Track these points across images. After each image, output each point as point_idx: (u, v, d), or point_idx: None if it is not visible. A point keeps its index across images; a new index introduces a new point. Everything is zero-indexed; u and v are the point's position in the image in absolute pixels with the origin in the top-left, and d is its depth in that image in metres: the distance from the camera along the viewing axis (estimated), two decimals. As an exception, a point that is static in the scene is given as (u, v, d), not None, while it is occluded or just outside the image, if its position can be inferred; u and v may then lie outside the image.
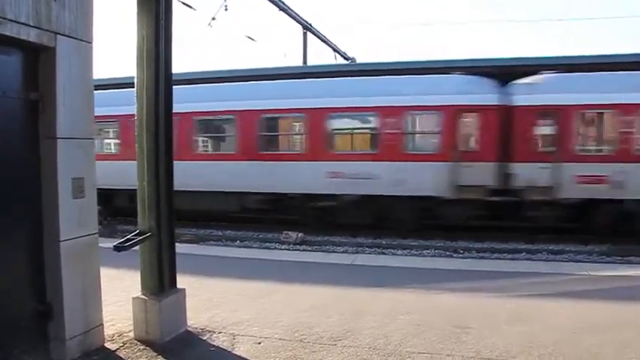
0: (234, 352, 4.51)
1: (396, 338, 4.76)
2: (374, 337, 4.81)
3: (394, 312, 5.54)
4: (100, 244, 4.46)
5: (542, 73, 12.81)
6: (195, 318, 5.19)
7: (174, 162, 4.84)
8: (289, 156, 13.83)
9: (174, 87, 4.79)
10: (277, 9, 19.76)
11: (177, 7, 13.01)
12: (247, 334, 4.90)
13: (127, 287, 5.32)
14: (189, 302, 5.05)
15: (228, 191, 13.79)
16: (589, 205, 12.13)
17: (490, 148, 12.52)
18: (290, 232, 12.64)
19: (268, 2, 19.15)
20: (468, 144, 12.87)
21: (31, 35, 3.73)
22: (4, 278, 3.79)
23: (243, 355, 4.44)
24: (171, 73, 4.78)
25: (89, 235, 4.29)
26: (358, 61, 25.31)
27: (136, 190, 4.74)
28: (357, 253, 11.14)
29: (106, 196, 11.23)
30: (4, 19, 3.51)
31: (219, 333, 4.92)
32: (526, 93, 12.45)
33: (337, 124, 13.55)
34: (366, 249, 11.85)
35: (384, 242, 12.46)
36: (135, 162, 4.72)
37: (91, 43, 4.26)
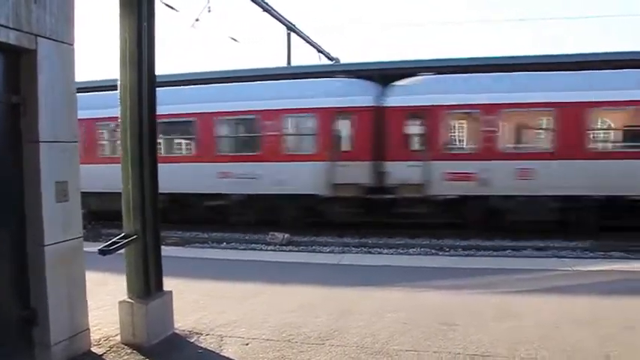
0: (221, 353, 4.50)
1: (384, 336, 4.79)
2: (361, 335, 4.83)
3: (381, 310, 5.57)
4: (85, 248, 4.42)
5: (419, 75, 13.51)
6: (183, 320, 5.17)
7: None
8: (185, 158, 14.62)
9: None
10: (261, 10, 19.73)
11: (160, 9, 13.11)
12: (235, 335, 4.90)
13: (113, 291, 5.27)
14: (176, 305, 5.03)
15: None
16: (459, 201, 12.79)
17: (365, 147, 13.22)
18: (276, 233, 12.66)
19: (252, 3, 19.11)
20: (343, 144, 13.51)
21: (10, 37, 3.69)
22: (-13, 284, 3.74)
23: (231, 356, 4.43)
24: (155, 76, 4.76)
25: (74, 239, 4.26)
26: (342, 61, 25.38)
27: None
28: (343, 252, 11.19)
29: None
30: (-16, 21, 3.48)
31: (207, 335, 4.91)
32: (398, 95, 13.15)
33: (224, 127, 14.39)
34: (353, 249, 11.90)
35: (370, 242, 12.53)
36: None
37: (72, 45, 4.23)
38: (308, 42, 24.33)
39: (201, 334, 4.92)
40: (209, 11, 17.99)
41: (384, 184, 13.13)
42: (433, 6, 71.87)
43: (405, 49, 63.28)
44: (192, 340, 4.79)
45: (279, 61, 24.30)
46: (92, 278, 4.69)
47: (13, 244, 3.93)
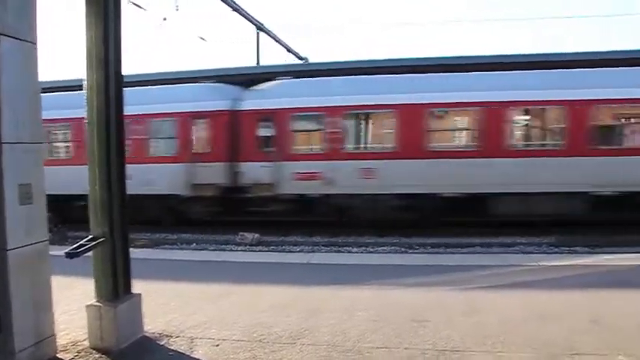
0: (192, 355, 4.47)
1: (355, 334, 4.83)
2: (333, 334, 4.87)
3: (352, 309, 5.61)
4: (51, 252, 4.31)
5: (278, 79, 14.26)
6: (152, 323, 5.11)
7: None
8: (66, 161, 14.79)
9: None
10: (230, 9, 19.62)
11: (127, 8, 12.94)
12: (205, 336, 4.87)
13: (80, 295, 5.17)
14: (145, 307, 4.97)
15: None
16: (308, 199, 13.52)
17: (221, 149, 13.98)
18: (246, 234, 12.64)
19: (221, 2, 18.97)
20: (202, 146, 14.29)
21: (-30, 36, 3.59)
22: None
23: (202, 358, 4.41)
24: (122, 75, 4.69)
25: (38, 242, 4.15)
26: (311, 60, 25.42)
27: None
28: (313, 252, 11.19)
29: None
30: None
31: (177, 337, 4.87)
32: (251, 99, 13.97)
33: None
34: (323, 248, 11.92)
35: (340, 240, 12.60)
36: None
37: (35, 43, 4.12)
38: (277, 41, 24.29)
39: (172, 337, 4.87)
40: (177, 9, 17.77)
41: (239, 183, 13.85)
42: (433, 5, 72.26)
43: (406, 49, 63.54)
44: (162, 343, 4.74)
45: (249, 60, 24.14)
46: (59, 282, 4.58)
47: (-25, 248, 3.82)
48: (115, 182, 4.62)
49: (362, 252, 11.35)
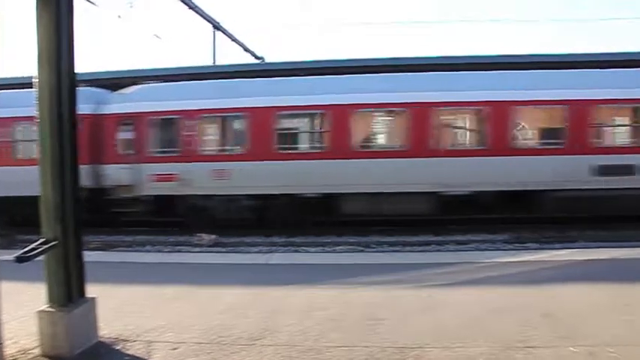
0: (150, 359, 4.40)
1: (314, 334, 4.86)
2: (292, 334, 4.88)
3: (311, 308, 5.64)
4: (-1, 257, 4.17)
5: (140, 84, 14.69)
6: (108, 327, 4.98)
7: None
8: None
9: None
10: (187, 7, 19.34)
11: (80, 4, 12.57)
12: (163, 340, 4.79)
13: (31, 301, 4.97)
14: (100, 311, 4.83)
15: None
16: (168, 200, 13.87)
17: (84, 151, 14.09)
18: (203, 235, 12.49)
19: (177, 1, 18.68)
20: None
21: None
22: None
23: (161, 362, 4.34)
24: (75, 73, 4.58)
25: (-15, 246, 4.00)
26: (267, 60, 25.33)
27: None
28: (271, 252, 11.15)
29: None
30: None
31: (134, 341, 4.77)
32: (114, 103, 14.24)
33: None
34: (280, 248, 11.89)
35: (297, 240, 12.57)
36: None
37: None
38: (233, 40, 24.10)
39: (128, 341, 4.77)
40: (131, 6, 17.36)
41: (103, 185, 14.03)
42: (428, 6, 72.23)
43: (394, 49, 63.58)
44: (118, 348, 4.64)
45: (205, 59, 23.84)
46: (7, 288, 4.40)
47: None
48: (68, 183, 4.49)
49: (320, 251, 11.37)
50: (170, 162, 13.58)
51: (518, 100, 12.66)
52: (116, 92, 14.57)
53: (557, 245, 10.84)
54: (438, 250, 11.12)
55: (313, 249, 11.67)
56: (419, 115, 12.86)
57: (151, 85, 14.60)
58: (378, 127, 14.21)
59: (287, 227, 13.18)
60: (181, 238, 12.78)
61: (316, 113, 13.69)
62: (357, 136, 13.33)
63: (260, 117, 13.25)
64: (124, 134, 14.00)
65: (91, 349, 4.57)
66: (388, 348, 4.48)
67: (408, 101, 12.89)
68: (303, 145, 14.02)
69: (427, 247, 11.53)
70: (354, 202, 13.29)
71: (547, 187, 12.60)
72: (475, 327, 4.96)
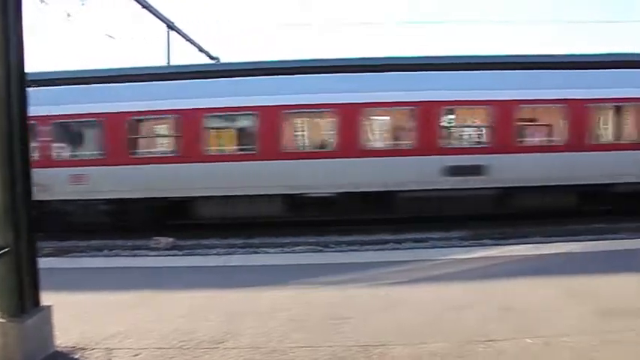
0: (110, 367, 4.32)
1: (277, 335, 4.87)
2: (255, 336, 4.88)
3: (273, 310, 5.64)
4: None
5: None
6: (65, 336, 4.82)
7: None
8: None
9: None
10: (140, 6, 18.93)
11: (30, 2, 12.07)
12: (124, 347, 4.70)
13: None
14: (56, 320, 4.68)
15: None
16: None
17: None
18: (160, 238, 12.29)
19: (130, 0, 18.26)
20: None
21: None
22: None
23: (121, 369, 4.27)
24: (25, 72, 4.42)
25: None
26: (222, 60, 25.06)
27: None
28: (229, 254, 11.07)
29: None
30: None
31: (93, 349, 4.65)
32: None
33: None
34: (239, 249, 11.84)
35: (256, 241, 12.55)
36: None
37: None
38: (188, 40, 23.77)
39: (87, 349, 4.65)
40: (82, 4, 16.79)
41: None
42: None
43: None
44: (76, 357, 4.51)
45: (160, 60, 23.37)
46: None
47: None
48: (20, 185, 4.33)
49: (279, 252, 11.38)
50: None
51: (366, 102, 13.13)
52: None
53: (512, 241, 11.20)
54: (396, 249, 11.27)
55: (272, 250, 11.67)
56: (269, 119, 13.11)
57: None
58: (227, 132, 14.20)
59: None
60: (139, 242, 12.49)
61: (169, 118, 13.66)
62: (207, 141, 13.47)
63: (113, 123, 13.26)
64: None
65: None
66: (352, 347, 4.54)
67: (258, 104, 13.15)
68: (158, 150, 14.19)
69: (385, 246, 11.69)
70: (209, 206, 13.55)
71: (398, 188, 13.11)
72: (436, 323, 5.09)
